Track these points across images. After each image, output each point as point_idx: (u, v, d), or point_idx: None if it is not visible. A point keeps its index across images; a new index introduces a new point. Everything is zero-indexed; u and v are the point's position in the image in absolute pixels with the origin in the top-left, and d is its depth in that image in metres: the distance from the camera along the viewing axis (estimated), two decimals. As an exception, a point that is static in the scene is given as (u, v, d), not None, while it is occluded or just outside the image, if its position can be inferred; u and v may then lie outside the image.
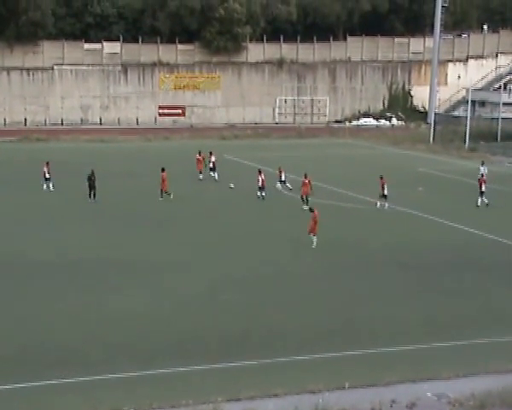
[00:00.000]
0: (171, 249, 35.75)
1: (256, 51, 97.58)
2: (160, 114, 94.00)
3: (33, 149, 71.02)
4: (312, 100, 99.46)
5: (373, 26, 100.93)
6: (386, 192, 44.88)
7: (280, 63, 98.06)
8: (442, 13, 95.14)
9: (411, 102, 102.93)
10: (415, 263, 33.89)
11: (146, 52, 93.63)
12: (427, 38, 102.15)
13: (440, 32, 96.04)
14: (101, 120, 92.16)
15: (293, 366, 22.30)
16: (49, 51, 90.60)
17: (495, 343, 24.48)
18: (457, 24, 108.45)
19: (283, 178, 50.69)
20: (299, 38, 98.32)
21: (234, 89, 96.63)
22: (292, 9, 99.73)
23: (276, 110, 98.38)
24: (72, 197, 47.40)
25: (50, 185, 49.42)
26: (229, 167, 60.44)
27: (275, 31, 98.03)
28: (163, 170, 46.80)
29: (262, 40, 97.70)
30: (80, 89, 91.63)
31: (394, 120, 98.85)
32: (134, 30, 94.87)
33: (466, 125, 75.81)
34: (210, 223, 41.67)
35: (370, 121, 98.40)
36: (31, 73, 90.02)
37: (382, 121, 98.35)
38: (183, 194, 49.66)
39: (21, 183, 51.04)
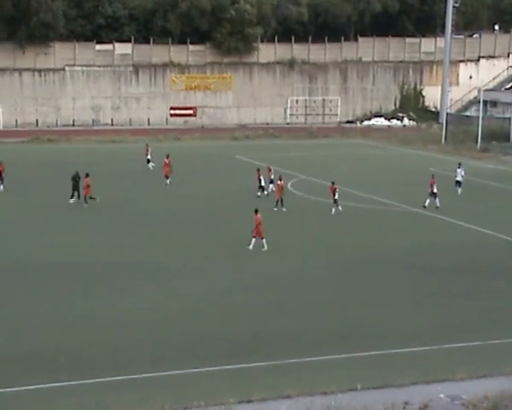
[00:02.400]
0: (178, 251, 35.62)
1: (267, 52, 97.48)
2: (171, 115, 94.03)
3: (44, 150, 71.24)
4: (324, 100, 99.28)
5: (384, 26, 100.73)
6: (336, 197, 43.95)
7: (291, 64, 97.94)
8: (453, 13, 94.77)
9: (423, 103, 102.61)
10: (427, 264, 33.75)
11: (157, 53, 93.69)
12: (438, 39, 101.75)
13: (451, 32, 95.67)
14: (112, 120, 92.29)
15: (305, 368, 22.24)
16: (60, 52, 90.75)
17: (508, 345, 24.36)
18: (468, 24, 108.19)
19: (272, 177, 49.34)
20: (310, 39, 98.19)
21: (245, 89, 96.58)
22: (303, 10, 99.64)
23: (288, 111, 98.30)
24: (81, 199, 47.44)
25: (1, 187, 49.13)
26: (241, 168, 60.43)
27: (286, 31, 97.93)
28: (87, 175, 45.08)
29: (273, 41, 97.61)
30: (91, 90, 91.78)
31: (406, 121, 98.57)
32: (145, 31, 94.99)
33: (478, 126, 75.55)
34: (216, 224, 41.56)
35: (382, 121, 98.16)
36: (42, 74, 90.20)
37: (394, 121, 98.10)
38: (191, 194, 49.68)
39: (28, 184, 51.06)
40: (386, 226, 41.58)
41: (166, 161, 53.29)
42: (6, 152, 69.15)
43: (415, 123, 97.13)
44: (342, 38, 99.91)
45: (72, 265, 32.78)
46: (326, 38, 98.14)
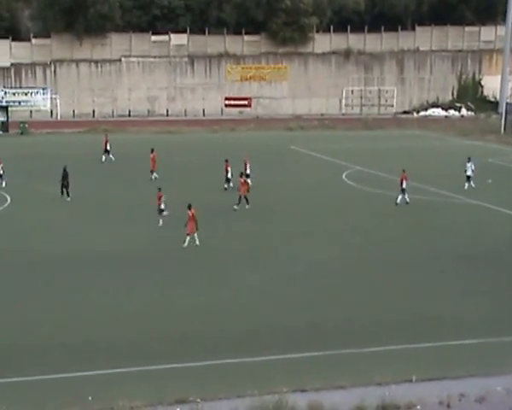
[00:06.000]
0: (230, 241, 35.45)
1: (323, 42, 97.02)
2: (226, 105, 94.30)
3: (100, 140, 71.86)
4: (379, 91, 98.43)
5: (442, 15, 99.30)
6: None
7: (347, 54, 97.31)
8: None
9: (481, 92, 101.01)
10: (483, 256, 33.07)
11: (212, 43, 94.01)
12: (498, 27, 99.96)
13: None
14: (167, 111, 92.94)
15: (359, 358, 21.97)
16: (116, 43, 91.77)
17: None
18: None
19: (248, 171, 47.31)
20: (366, 29, 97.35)
21: (300, 80, 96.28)
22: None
23: (343, 101, 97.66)
24: (135, 188, 47.72)
25: (3, 183, 47.55)
26: (295, 158, 60.11)
27: (342, 21, 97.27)
28: None
29: (329, 31, 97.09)
30: (147, 80, 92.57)
31: (464, 111, 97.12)
32: (200, 21, 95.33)
33: (538, 116, 74.06)
34: (268, 215, 41.39)
35: (439, 112, 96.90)
36: (99, 65, 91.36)
37: (451, 112, 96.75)
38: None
39: (79, 176, 51.50)
40: (444, 218, 40.90)
41: (151, 156, 50.84)
42: (63, 143, 70.30)
43: (473, 113, 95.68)
44: (399, 28, 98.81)
45: (127, 255, 32.94)
46: (382, 28, 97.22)
